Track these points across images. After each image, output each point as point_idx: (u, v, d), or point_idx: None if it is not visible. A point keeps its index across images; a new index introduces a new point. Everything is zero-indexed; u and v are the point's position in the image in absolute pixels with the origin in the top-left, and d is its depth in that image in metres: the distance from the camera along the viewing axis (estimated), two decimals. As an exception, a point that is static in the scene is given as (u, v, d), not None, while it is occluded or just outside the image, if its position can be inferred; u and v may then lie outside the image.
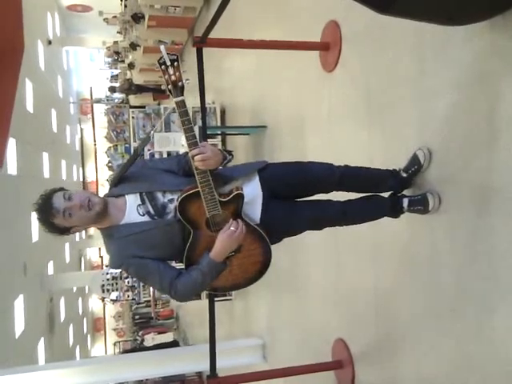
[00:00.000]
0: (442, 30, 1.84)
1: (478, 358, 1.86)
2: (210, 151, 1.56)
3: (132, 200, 1.70)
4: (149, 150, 5.41)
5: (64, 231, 1.65)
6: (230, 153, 1.72)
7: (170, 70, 1.50)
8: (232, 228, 1.60)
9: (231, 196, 1.67)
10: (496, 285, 1.76)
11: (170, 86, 1.52)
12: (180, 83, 1.51)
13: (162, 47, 1.50)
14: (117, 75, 14.49)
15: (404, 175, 2.09)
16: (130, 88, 11.31)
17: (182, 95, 1.52)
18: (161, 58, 1.50)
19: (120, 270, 10.29)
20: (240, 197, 1.68)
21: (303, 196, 1.98)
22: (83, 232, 20.44)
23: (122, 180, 1.76)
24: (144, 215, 1.69)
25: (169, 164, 1.85)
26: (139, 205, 1.69)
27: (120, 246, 1.66)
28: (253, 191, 1.79)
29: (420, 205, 2.04)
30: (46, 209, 1.60)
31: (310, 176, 1.94)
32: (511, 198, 1.68)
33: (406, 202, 2.05)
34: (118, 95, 13.85)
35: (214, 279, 1.68)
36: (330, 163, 2.01)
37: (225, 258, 1.67)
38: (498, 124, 1.74)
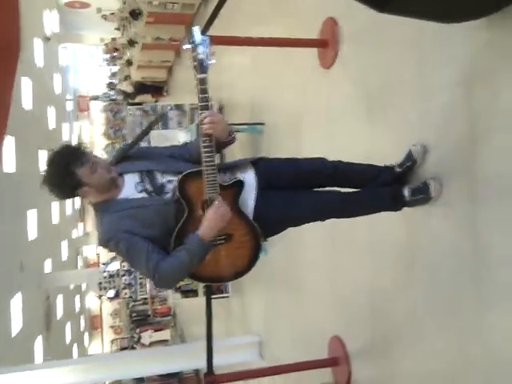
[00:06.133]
0: (440, 27, 1.83)
1: (476, 355, 1.86)
2: (219, 116, 1.67)
3: (131, 178, 1.73)
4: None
5: (73, 188, 1.64)
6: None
7: (199, 49, 1.59)
8: (217, 203, 1.64)
9: (232, 181, 1.74)
10: (501, 284, 1.76)
11: (195, 63, 1.60)
12: (206, 63, 1.60)
13: (195, 27, 1.61)
14: (116, 72, 14.47)
15: (398, 170, 2.09)
16: (128, 95, 11.38)
17: (206, 73, 1.61)
18: (192, 36, 1.58)
19: (117, 268, 10.27)
20: (240, 183, 1.74)
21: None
22: (81, 228, 20.41)
23: (123, 159, 1.79)
24: (142, 192, 1.71)
25: (173, 149, 1.90)
26: (138, 182, 1.73)
27: (114, 219, 1.65)
28: (247, 181, 1.81)
29: (422, 193, 1.97)
30: (76, 154, 1.62)
31: (302, 169, 1.97)
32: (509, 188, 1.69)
33: (406, 190, 1.99)
34: (116, 94, 13.87)
35: (200, 261, 1.66)
36: (322, 157, 2.03)
37: (213, 243, 1.67)
38: (496, 118, 1.74)
